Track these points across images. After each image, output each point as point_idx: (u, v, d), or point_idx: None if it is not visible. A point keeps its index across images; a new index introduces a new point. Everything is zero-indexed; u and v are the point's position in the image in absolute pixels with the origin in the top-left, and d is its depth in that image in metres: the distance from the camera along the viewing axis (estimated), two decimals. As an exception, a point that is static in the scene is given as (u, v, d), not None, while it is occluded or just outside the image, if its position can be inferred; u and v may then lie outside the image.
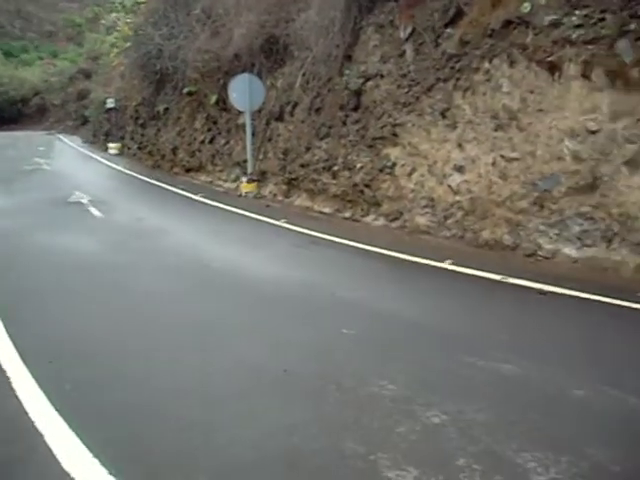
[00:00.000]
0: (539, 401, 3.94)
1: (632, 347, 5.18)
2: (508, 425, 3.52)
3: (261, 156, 15.73)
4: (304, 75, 13.83)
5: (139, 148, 25.59)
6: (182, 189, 16.62)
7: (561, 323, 6.03)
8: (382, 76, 11.52)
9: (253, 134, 15.51)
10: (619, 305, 6.50)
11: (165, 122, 22.25)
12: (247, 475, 3.12)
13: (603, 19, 8.03)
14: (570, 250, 8.35)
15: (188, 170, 20.35)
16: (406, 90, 10.89)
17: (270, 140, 15.44)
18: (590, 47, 8.13)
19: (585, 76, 8.19)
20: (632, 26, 7.80)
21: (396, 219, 11.15)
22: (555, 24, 8.46)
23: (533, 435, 3.40)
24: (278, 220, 11.90)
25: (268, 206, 14.06)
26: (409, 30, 10.73)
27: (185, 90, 19.32)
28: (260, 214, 12.63)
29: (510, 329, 5.64)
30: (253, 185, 15.43)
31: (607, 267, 7.92)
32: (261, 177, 15.61)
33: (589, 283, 7.26)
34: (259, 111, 15.61)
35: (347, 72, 12.23)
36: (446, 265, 8.27)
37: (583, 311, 6.49)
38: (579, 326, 5.89)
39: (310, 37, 13.45)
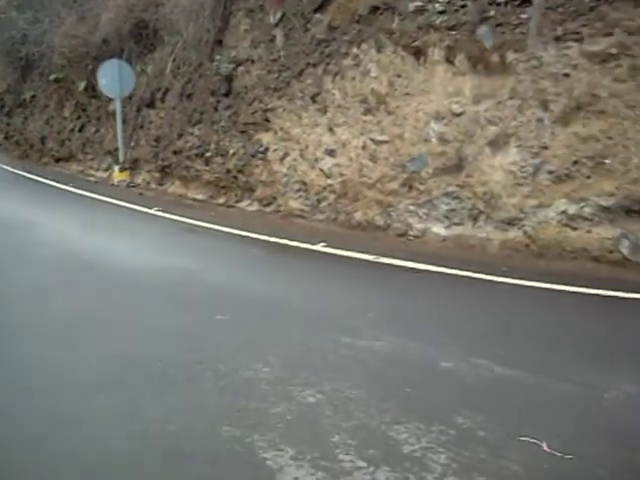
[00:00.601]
0: (410, 375, 4.05)
1: (496, 319, 5.43)
2: (381, 400, 3.60)
3: (133, 144, 15.32)
4: (175, 60, 13.59)
5: (5, 138, 24.29)
6: (52, 179, 15.93)
7: (431, 299, 6.23)
8: (253, 61, 11.49)
9: (124, 121, 15.09)
10: (485, 280, 6.78)
11: (32, 110, 21.23)
12: (124, 468, 3.02)
13: (464, 6, 8.38)
14: (439, 229, 8.66)
15: (58, 160, 19.53)
16: (277, 75, 10.91)
17: (142, 127, 15.07)
18: (453, 33, 8.46)
19: (449, 61, 8.51)
20: (492, 12, 8.17)
21: (270, 204, 11.16)
22: (420, 10, 8.73)
23: (405, 408, 3.49)
24: (151, 208, 11.64)
25: (141, 194, 13.73)
26: (279, 15, 10.76)
27: (52, 77, 18.49)
28: (133, 203, 12.29)
29: (382, 307, 5.78)
30: (125, 173, 15.01)
31: (474, 244, 8.27)
32: (133, 165, 15.21)
33: (457, 260, 7.53)
34: (130, 98, 15.20)
35: (218, 57, 12.12)
36: (320, 248, 8.34)
37: (451, 287, 6.73)
38: (448, 301, 6.11)
39: (180, 21, 13.23)
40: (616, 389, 3.81)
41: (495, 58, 8.12)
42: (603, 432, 3.25)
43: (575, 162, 7.61)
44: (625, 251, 7.37)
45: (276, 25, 10.85)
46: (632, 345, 4.78)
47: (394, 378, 4.00)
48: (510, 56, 8.04)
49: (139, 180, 15.09)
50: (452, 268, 7.18)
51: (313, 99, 10.27)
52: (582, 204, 7.59)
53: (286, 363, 4.29)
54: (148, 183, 14.85)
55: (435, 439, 3.13)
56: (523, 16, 8.01)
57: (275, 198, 11.14)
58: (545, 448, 3.02)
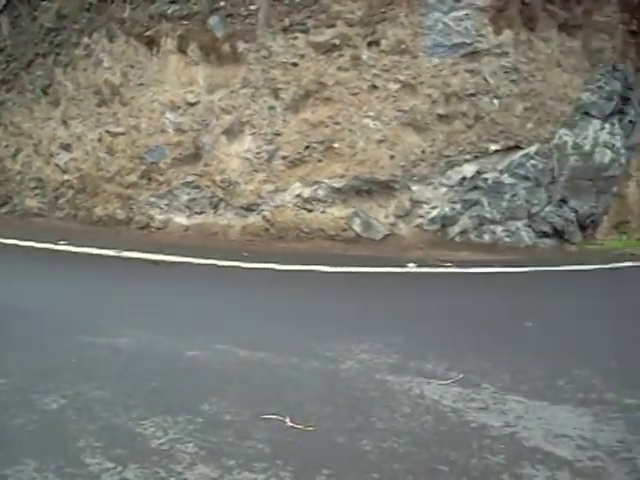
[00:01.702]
0: (156, 369, 3.87)
1: (240, 303, 5.37)
2: (126, 397, 3.38)
3: None
4: None
5: None
6: None
7: (177, 290, 6.02)
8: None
9: None
10: (228, 266, 6.76)
11: None
12: None
13: (196, -5, 8.39)
14: (181, 219, 8.55)
15: None
16: (4, 67, 10.18)
17: None
18: (185, 22, 8.45)
19: (182, 50, 8.48)
20: (222, 3, 8.28)
21: (5, 204, 10.36)
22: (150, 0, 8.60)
23: (151, 402, 3.32)
24: None
25: None
26: (3, 1, 10.05)
27: None
28: None
29: (127, 302, 5.51)
30: None
31: (216, 231, 8.26)
32: None
33: (201, 248, 7.48)
34: None
35: None
36: (60, 247, 7.85)
37: (195, 275, 6.61)
38: (192, 290, 5.95)
39: None
40: (352, 359, 3.94)
41: (227, 48, 8.23)
42: (342, 401, 3.33)
43: (307, 147, 7.90)
44: (357, 229, 7.77)
45: (1, 12, 10.13)
46: (367, 315, 5.00)
47: (139, 374, 3.79)
48: (241, 46, 8.19)
49: None
50: (196, 257, 7.07)
51: (44, 91, 9.72)
52: (316, 187, 7.89)
53: (25, 371, 3.91)
54: None
55: (182, 429, 2.99)
56: (252, 7, 8.21)
57: (10, 197, 10.35)
58: (288, 423, 3.01)
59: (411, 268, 6.63)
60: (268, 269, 6.66)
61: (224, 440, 2.87)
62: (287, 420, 3.04)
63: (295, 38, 8.04)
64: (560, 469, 2.66)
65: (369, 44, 7.87)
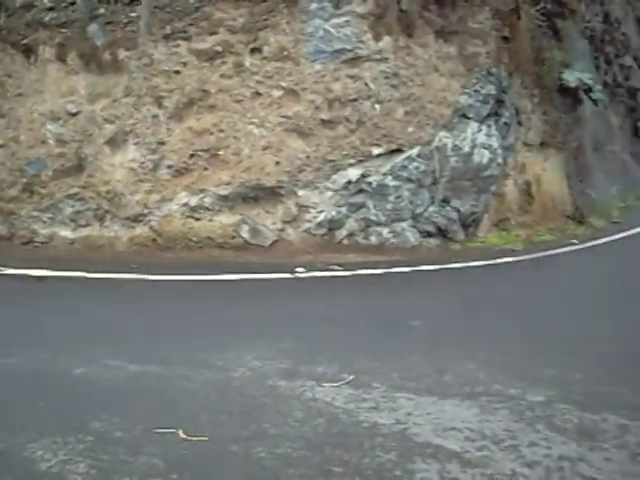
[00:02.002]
0: (43, 388, 3.75)
1: (128, 317, 5.25)
2: (11, 421, 3.25)
3: None
4: None
5: None
6: None
7: (59, 306, 5.80)
8: None
9: None
10: (113, 279, 6.62)
11: None
12: None
13: (74, 3, 8.21)
14: (66, 232, 8.32)
15: None
16: None
17: None
18: (63, 30, 8.24)
19: (61, 59, 8.28)
20: (102, 10, 8.12)
21: None
22: (28, 6, 8.38)
23: (39, 424, 3.20)
24: None
25: None
26: None
27: None
28: None
29: (9, 321, 5.28)
30: None
31: (103, 244, 8.07)
32: None
33: (87, 262, 7.27)
34: None
35: None
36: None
37: (79, 290, 6.43)
38: (76, 306, 5.71)
39: None
40: (244, 367, 3.94)
41: (107, 56, 8.09)
42: (235, 410, 3.32)
43: (192, 155, 7.85)
44: (245, 236, 7.76)
45: None
46: (257, 322, 5.00)
47: (26, 394, 3.66)
48: (122, 54, 8.07)
49: None
50: (80, 271, 6.88)
51: None
52: (202, 195, 7.84)
53: None
54: None
55: (72, 450, 2.90)
56: (133, 14, 8.10)
57: None
58: (182, 436, 2.97)
59: (300, 273, 6.68)
60: (156, 280, 6.57)
61: (116, 457, 2.80)
62: (180, 432, 3.00)
63: (177, 46, 7.98)
64: (449, 461, 2.75)
65: (252, 51, 7.90)
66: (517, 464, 2.76)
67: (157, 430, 3.02)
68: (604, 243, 9.59)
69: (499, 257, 7.78)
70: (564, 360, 4.18)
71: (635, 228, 11.23)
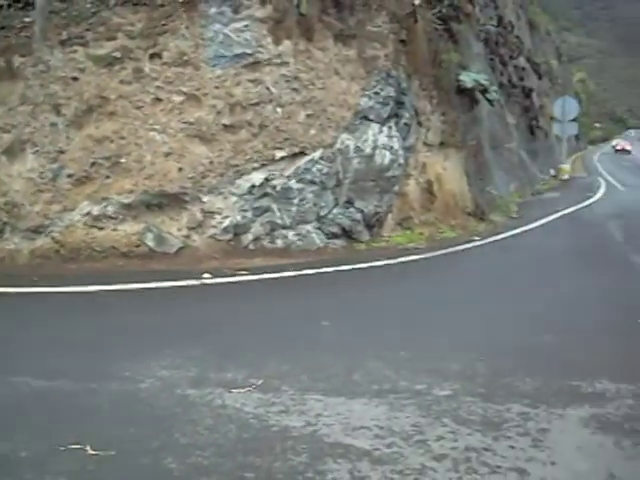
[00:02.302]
0: None
1: (37, 332, 5.09)
2: None
3: None
4: None
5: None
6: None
7: None
8: None
9: None
10: (15, 293, 6.40)
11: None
12: None
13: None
14: (-38, 246, 7.99)
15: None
16: None
17: None
18: None
19: (-49, 67, 7.92)
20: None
21: None
22: None
23: None
24: None
25: None
26: None
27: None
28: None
29: None
30: None
31: (3, 257, 7.80)
32: None
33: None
34: None
35: None
36: None
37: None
38: None
39: None
40: (152, 377, 3.89)
41: (2, 63, 7.83)
42: (143, 421, 3.28)
43: (93, 164, 7.70)
44: (151, 244, 7.67)
45: None
46: (164, 331, 4.96)
47: None
48: (17, 60, 7.84)
49: None
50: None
51: None
52: (105, 204, 7.70)
53: None
54: None
55: None
56: (27, 19, 7.87)
57: None
58: (89, 451, 2.91)
59: (207, 279, 6.66)
60: (59, 293, 6.41)
61: (21, 478, 2.74)
62: (88, 448, 2.94)
63: (74, 51, 7.81)
64: (360, 460, 2.82)
65: (151, 56, 7.82)
66: (426, 458, 2.87)
67: (64, 447, 2.97)
68: (504, 238, 9.97)
69: (403, 256, 7.97)
70: (468, 354, 4.35)
71: (532, 223, 11.74)
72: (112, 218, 7.69)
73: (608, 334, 4.96)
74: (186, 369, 4.03)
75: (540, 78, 31.28)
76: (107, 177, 7.69)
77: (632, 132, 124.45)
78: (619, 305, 5.93)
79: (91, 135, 7.73)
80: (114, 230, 7.70)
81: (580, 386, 3.79)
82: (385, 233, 8.88)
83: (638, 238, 10.13)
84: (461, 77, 12.11)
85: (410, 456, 2.88)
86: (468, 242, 9.19)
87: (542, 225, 11.76)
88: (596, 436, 3.12)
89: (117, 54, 7.76)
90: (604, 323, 5.30)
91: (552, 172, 25.51)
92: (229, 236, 7.81)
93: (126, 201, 7.67)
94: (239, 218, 7.82)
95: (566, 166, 26.90)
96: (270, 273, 6.96)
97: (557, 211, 13.64)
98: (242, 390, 3.66)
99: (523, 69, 24.99)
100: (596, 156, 54.63)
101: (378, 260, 7.65)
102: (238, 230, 7.84)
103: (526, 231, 10.90)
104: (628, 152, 60.07)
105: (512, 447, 2.98)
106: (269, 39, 7.93)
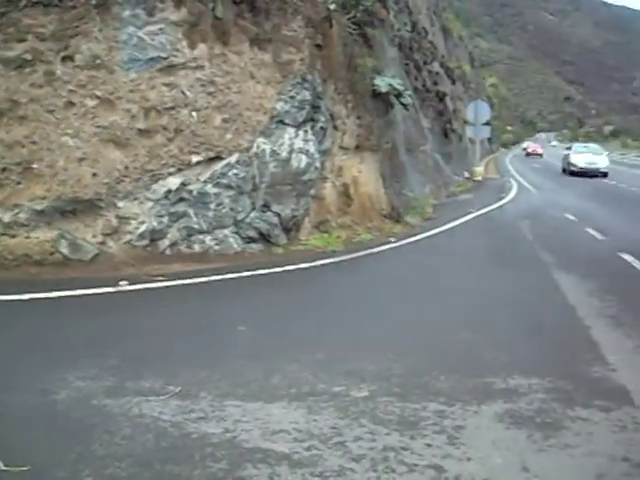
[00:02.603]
0: None
1: None
2: None
3: None
4: None
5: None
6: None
7: None
8: None
9: None
10: None
11: None
12: None
13: None
14: None
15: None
16: None
17: None
18: None
19: None
20: None
21: None
22: None
23: None
24: None
25: None
26: None
27: None
28: None
29: None
30: None
31: None
32: None
33: None
34: None
35: None
36: None
37: None
38: None
39: None
40: (67, 388, 3.82)
41: None
42: (59, 434, 3.22)
43: (3, 169, 7.48)
44: (65, 251, 7.51)
45: None
46: (80, 341, 4.87)
47: None
48: None
49: None
50: None
51: None
52: (17, 210, 7.49)
53: None
54: None
55: None
56: None
57: None
58: (1, 467, 2.83)
59: (123, 286, 6.57)
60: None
61: None
62: (0, 464, 2.88)
63: (-18, 53, 7.56)
64: (279, 464, 2.87)
65: (63, 59, 7.64)
66: (344, 460, 2.95)
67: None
68: (419, 239, 10.21)
69: (320, 259, 8.06)
70: (385, 354, 4.46)
71: (447, 224, 12.05)
72: (24, 225, 7.49)
73: (521, 330, 5.18)
74: (103, 379, 3.99)
75: (454, 83, 32.09)
76: (18, 183, 7.48)
77: (542, 135, 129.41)
78: (531, 302, 6.18)
79: (1, 140, 7.51)
80: (27, 237, 7.50)
81: (494, 382, 3.96)
82: (302, 237, 8.96)
83: (546, 237, 10.55)
84: (376, 81, 12.31)
85: (329, 458, 2.95)
86: (384, 244, 9.37)
87: (456, 226, 12.08)
88: (510, 431, 3.27)
89: (27, 56, 7.55)
90: (517, 319, 5.53)
91: (466, 174, 26.18)
92: (145, 242, 7.73)
93: (39, 207, 7.49)
94: (155, 224, 7.75)
95: (479, 168, 27.66)
96: (188, 279, 6.92)
97: (471, 212, 14.03)
98: (160, 398, 3.65)
99: (437, 74, 25.59)
100: (508, 158, 56.38)
101: (295, 264, 7.72)
102: (155, 236, 7.76)
103: (441, 232, 11.18)
104: (540, 155, 61.14)
105: (429, 445, 3.09)
106: (184, 43, 7.88)
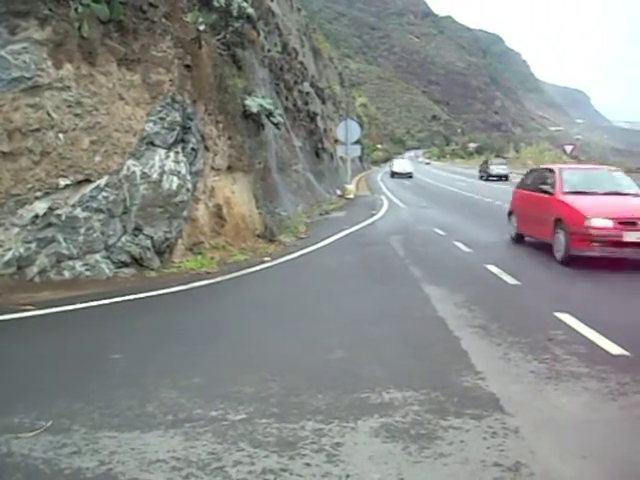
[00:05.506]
0: None
1: None
2: None
3: None
4: None
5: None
6: None
7: None
8: None
9: None
10: None
11: None
12: None
13: None
14: None
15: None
16: None
17: None
18: None
19: None
20: None
21: None
22: None
23: None
24: None
25: None
26: None
27: None
28: None
29: None
30: None
31: None
32: None
33: None
34: None
35: None
36: None
37: None
38: None
39: None
40: None
41: None
42: None
43: None
44: None
45: None
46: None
47: None
48: None
49: None
50: None
51: None
52: None
53: None
54: None
55: None
56: None
57: None
58: None
59: (-14, 317, 6.26)
60: None
61: None
62: None
63: None
64: None
65: None
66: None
67: None
68: (293, 258, 10.32)
69: (194, 281, 8.01)
70: (261, 375, 4.50)
71: (321, 242, 12.25)
72: None
73: (394, 345, 5.35)
74: (-32, 416, 3.81)
75: (324, 102, 32.74)
76: None
77: (412, 152, 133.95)
78: (403, 316, 6.40)
79: None
80: None
81: (369, 397, 4.08)
82: (176, 259, 8.87)
83: (416, 252, 10.93)
84: (247, 102, 12.42)
85: (209, 485, 2.94)
86: (259, 264, 9.42)
87: (330, 244, 12.29)
88: (386, 445, 3.38)
89: None
90: (390, 334, 5.71)
91: (338, 192, 26.71)
92: (12, 269, 7.41)
93: None
94: (22, 250, 7.45)
95: (351, 186, 28.28)
96: (58, 307, 6.68)
97: (343, 229, 14.32)
98: (30, 434, 3.53)
99: (308, 94, 26.02)
100: (379, 175, 57.92)
101: (169, 287, 7.63)
102: (22, 263, 7.46)
103: (315, 250, 11.34)
104: (410, 176, 53.05)
105: (308, 464, 3.14)
106: (49, 62, 7.66)
